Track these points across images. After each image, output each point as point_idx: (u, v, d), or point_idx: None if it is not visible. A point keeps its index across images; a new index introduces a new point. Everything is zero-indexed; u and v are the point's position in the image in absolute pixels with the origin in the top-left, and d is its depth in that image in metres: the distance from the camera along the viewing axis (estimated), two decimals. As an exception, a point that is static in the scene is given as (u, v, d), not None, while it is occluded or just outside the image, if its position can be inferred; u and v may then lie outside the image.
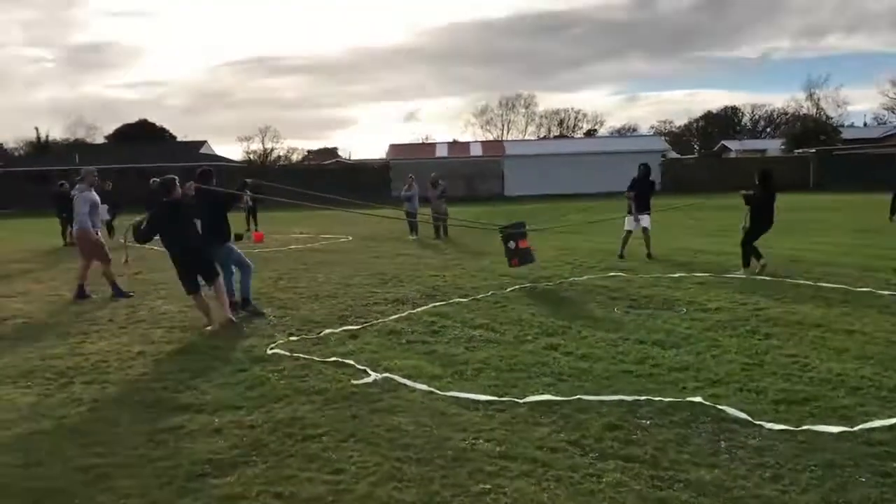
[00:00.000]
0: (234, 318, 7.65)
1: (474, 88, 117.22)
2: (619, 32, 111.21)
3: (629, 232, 12.76)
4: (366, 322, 7.64)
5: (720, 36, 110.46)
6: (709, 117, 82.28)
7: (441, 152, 50.36)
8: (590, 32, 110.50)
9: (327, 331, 7.23)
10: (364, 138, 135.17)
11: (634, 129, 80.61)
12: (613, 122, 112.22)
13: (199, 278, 7.57)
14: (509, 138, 72.63)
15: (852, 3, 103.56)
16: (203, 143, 59.01)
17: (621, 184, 14.57)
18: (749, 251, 10.67)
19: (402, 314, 8.01)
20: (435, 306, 8.40)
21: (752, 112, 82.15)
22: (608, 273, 10.78)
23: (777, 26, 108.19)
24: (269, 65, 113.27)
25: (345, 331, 7.23)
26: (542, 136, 77.73)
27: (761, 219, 10.67)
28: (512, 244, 10.43)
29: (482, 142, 59.53)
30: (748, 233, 10.72)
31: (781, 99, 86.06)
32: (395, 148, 52.56)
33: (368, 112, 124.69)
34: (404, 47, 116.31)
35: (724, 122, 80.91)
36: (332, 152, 70.84)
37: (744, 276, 10.18)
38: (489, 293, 9.23)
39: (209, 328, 7.41)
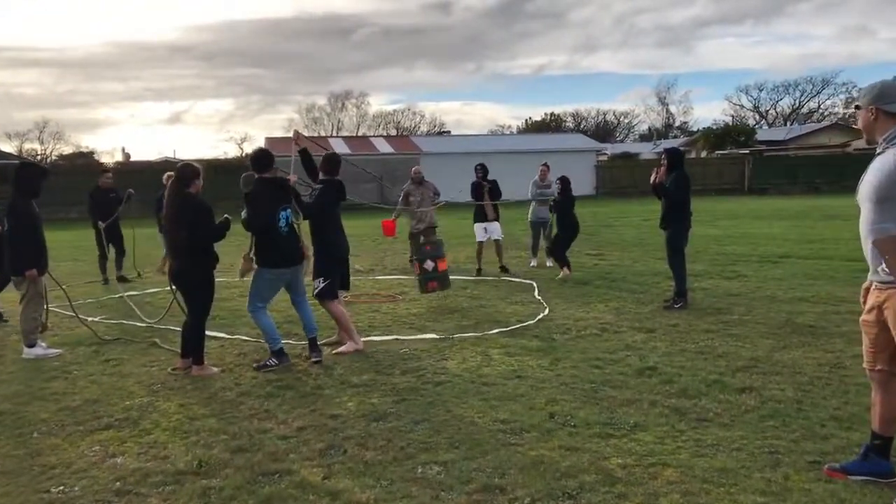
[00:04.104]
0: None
1: (250, 91, 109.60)
2: (406, 39, 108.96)
3: (481, 243, 11.89)
4: None
5: (501, 49, 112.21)
6: (532, 124, 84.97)
7: (339, 148, 39.61)
8: (376, 37, 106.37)
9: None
10: (121, 142, 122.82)
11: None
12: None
13: None
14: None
15: (623, 21, 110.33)
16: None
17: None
18: (562, 257, 11.16)
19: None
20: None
21: (575, 118, 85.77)
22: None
23: (555, 40, 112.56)
24: (6, 56, 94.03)
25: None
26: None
27: (568, 224, 11.28)
28: (430, 264, 9.12)
29: (386, 136, 50.57)
30: (560, 240, 11.31)
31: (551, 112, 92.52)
32: (272, 142, 41.51)
33: (125, 112, 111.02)
34: (173, 44, 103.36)
35: (548, 129, 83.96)
36: (87, 156, 62.18)
37: (568, 273, 10.86)
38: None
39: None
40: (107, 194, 11.81)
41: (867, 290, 3.69)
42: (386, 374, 5.99)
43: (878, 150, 3.54)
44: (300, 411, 5.11)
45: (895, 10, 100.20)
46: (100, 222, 11.24)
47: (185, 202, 6.14)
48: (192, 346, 6.19)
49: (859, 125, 3.64)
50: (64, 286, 7.99)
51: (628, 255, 13.65)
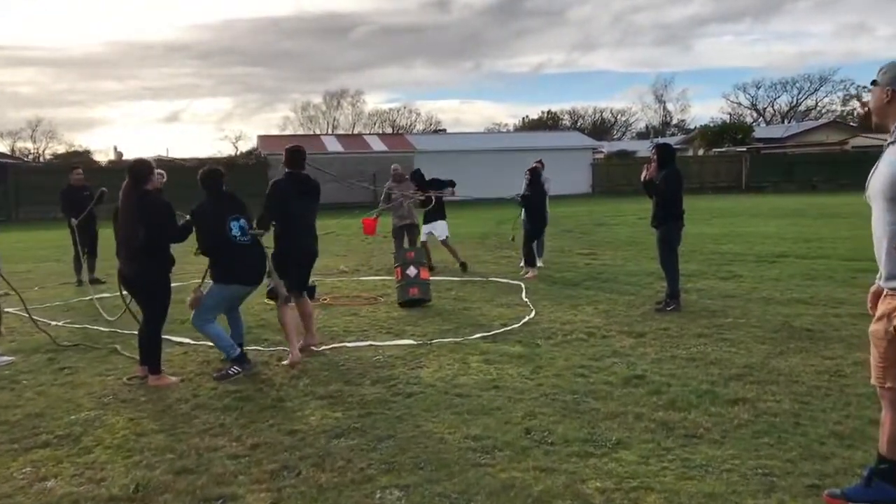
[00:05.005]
0: None
1: (248, 89, 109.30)
2: (404, 38, 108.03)
3: (424, 242, 11.55)
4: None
5: (499, 47, 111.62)
6: (528, 122, 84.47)
7: (333, 146, 40.49)
8: (374, 36, 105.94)
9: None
10: (118, 140, 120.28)
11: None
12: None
13: None
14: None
15: (622, 19, 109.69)
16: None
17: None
18: (531, 251, 11.11)
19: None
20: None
21: (572, 116, 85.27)
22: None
23: (553, 39, 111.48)
24: (2, 55, 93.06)
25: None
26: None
27: (538, 218, 11.20)
28: (413, 271, 8.91)
29: (380, 135, 50.41)
30: (529, 234, 11.16)
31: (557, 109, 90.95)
32: (267, 140, 41.89)
33: (122, 112, 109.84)
34: (170, 43, 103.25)
35: (545, 127, 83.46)
36: (81, 155, 61.37)
37: (531, 276, 10.65)
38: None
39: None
40: (80, 192, 11.41)
41: (876, 294, 3.28)
42: (355, 385, 5.59)
43: (889, 139, 3.13)
44: (257, 426, 4.72)
45: (893, 7, 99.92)
46: (72, 220, 10.83)
47: (143, 200, 5.76)
48: (149, 353, 5.80)
49: (871, 105, 3.21)
50: (36, 288, 7.61)
51: (621, 255, 13.27)
